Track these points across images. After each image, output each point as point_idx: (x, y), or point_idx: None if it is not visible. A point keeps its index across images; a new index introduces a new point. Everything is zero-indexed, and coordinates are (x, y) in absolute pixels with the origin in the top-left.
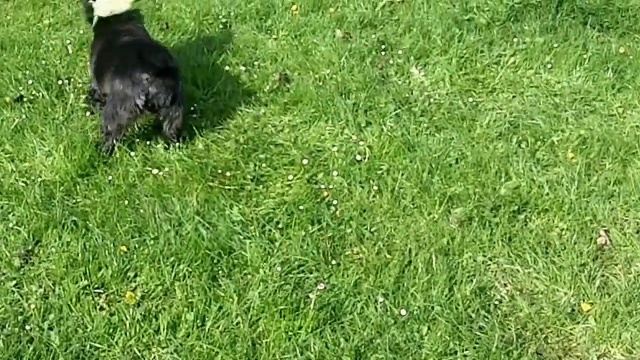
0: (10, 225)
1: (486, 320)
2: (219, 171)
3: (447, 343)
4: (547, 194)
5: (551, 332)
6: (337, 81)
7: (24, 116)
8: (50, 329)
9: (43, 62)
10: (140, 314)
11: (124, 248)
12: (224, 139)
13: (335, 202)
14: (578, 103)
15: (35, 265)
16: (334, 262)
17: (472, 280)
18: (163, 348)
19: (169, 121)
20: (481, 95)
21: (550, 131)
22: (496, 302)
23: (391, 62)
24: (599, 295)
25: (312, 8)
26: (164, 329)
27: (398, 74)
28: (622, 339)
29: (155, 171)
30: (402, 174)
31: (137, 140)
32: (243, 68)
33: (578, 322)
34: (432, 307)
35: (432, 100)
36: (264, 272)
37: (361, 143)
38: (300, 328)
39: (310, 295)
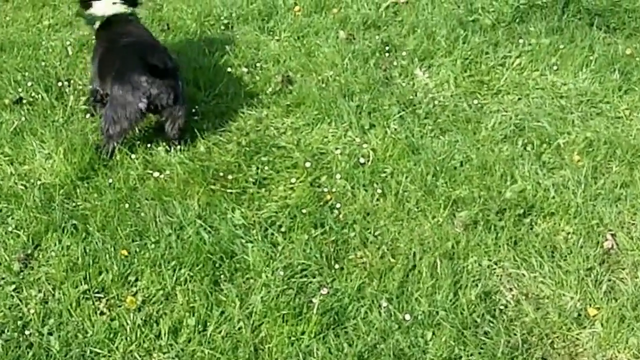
0: (10, 228)
1: (491, 325)
2: (221, 174)
3: (452, 348)
4: (553, 198)
5: (557, 337)
6: (341, 83)
7: (23, 118)
8: (50, 334)
9: (43, 63)
10: (141, 318)
11: (124, 252)
12: (226, 142)
13: (338, 205)
14: (584, 105)
15: (34, 270)
16: (337, 266)
17: (477, 285)
18: (164, 353)
19: (172, 121)
20: (486, 97)
21: (556, 134)
22: (502, 307)
23: (395, 63)
24: (606, 300)
25: (315, 9)
26: (165, 334)
27: (402, 76)
28: (629, 344)
29: (156, 174)
30: (406, 177)
31: (138, 142)
32: (245, 69)
33: (584, 327)
34: (437, 312)
35: (436, 102)
36: (267, 276)
37: (365, 146)
38: (303, 333)
39: (314, 299)
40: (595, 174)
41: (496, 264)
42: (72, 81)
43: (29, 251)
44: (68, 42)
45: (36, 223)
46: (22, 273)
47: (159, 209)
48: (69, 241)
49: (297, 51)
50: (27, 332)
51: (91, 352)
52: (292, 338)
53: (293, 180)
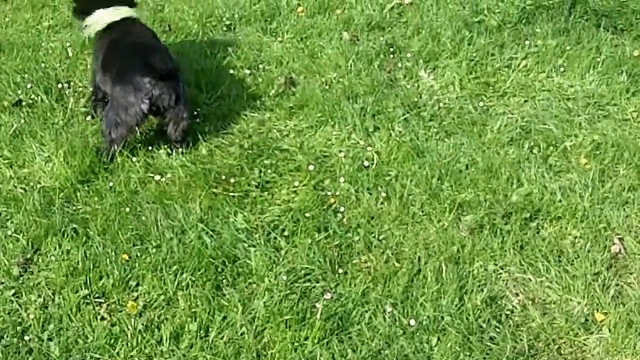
0: (9, 232)
1: (497, 330)
2: (223, 177)
3: (457, 354)
4: (560, 201)
5: (564, 342)
6: (344, 85)
7: (22, 121)
8: (50, 339)
9: (42, 65)
10: (142, 324)
11: (125, 256)
12: (228, 144)
13: (342, 209)
14: (591, 107)
15: (34, 274)
16: (341, 270)
17: (482, 290)
18: (166, 359)
19: (175, 123)
20: (492, 100)
21: (563, 136)
22: (508, 312)
23: (400, 65)
24: (613, 305)
25: (319, 10)
26: (166, 340)
27: (407, 78)
28: (637, 350)
29: (157, 177)
30: (411, 180)
31: (139, 145)
32: (247, 71)
33: (592, 333)
34: (442, 317)
35: (441, 104)
36: (269, 281)
37: (369, 148)
38: (306, 339)
39: (317, 305)
40: (602, 177)
41: (502, 268)
42: (72, 83)
43: (29, 255)
44: (68, 44)
45: (36, 227)
46: (21, 278)
47: (160, 213)
48: (69, 245)
49: (300, 53)
50: (26, 338)
51: (91, 358)
52: (296, 344)
53: (296, 183)
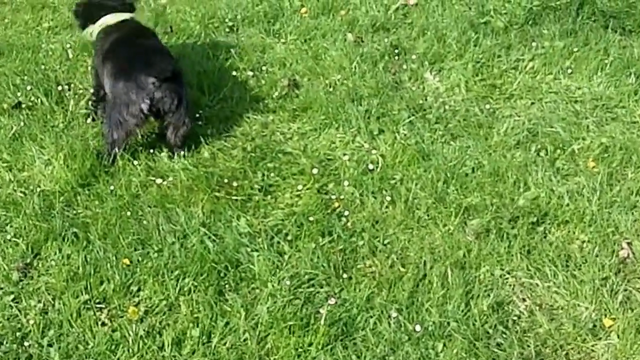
0: (8, 237)
1: (504, 336)
2: (226, 181)
3: None
4: (568, 205)
5: (572, 348)
6: (349, 87)
7: (22, 123)
8: (50, 345)
9: (42, 67)
10: (144, 329)
11: (126, 261)
12: (231, 147)
13: (346, 213)
14: (599, 110)
15: (34, 279)
16: (345, 275)
17: (489, 295)
18: None
19: (175, 128)
20: (498, 102)
21: (571, 139)
22: (514, 318)
23: (405, 67)
24: (622, 310)
25: (322, 11)
26: (168, 346)
27: (412, 80)
28: None
29: (159, 181)
30: (416, 184)
31: (140, 148)
32: (250, 73)
33: (600, 339)
34: (448, 323)
35: (447, 106)
36: (273, 286)
37: (373, 151)
38: (310, 345)
39: (321, 310)
40: (610, 180)
41: (509, 273)
42: (72, 85)
43: (28, 260)
44: (68, 45)
45: (35, 231)
46: (21, 283)
47: (162, 217)
48: (69, 250)
49: (304, 54)
50: (26, 344)
51: None
52: (299, 350)
53: (300, 187)
